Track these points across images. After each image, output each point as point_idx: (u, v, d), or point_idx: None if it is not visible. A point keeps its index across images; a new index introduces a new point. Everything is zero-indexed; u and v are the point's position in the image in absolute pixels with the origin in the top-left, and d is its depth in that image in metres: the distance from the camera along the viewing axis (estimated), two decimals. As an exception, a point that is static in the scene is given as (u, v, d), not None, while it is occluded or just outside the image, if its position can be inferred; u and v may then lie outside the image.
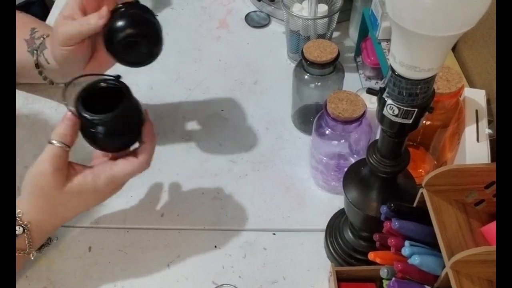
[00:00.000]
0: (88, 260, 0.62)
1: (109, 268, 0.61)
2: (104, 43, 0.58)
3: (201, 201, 0.68)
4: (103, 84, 0.55)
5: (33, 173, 0.53)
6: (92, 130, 0.53)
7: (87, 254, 0.62)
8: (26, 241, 0.54)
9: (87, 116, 0.52)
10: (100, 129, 0.53)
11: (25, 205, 0.55)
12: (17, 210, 0.54)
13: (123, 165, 0.55)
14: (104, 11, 0.57)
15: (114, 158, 0.57)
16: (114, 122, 0.53)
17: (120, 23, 0.56)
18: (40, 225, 0.55)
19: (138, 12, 0.58)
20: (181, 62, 0.87)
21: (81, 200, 0.56)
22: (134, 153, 0.56)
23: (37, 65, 0.70)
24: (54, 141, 0.53)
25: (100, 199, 0.58)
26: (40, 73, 0.72)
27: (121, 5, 0.58)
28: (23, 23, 0.74)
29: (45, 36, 0.69)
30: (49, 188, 0.53)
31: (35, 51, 0.70)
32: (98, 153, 0.58)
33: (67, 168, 0.54)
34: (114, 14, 0.57)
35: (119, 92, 0.54)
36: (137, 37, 0.57)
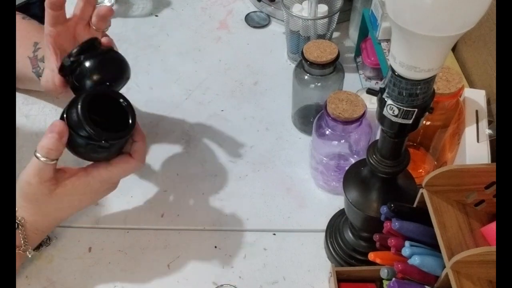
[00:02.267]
0: (88, 260, 0.62)
1: (109, 268, 0.61)
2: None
3: (201, 201, 0.68)
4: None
5: (22, 181, 0.53)
6: (88, 142, 0.51)
7: (87, 255, 0.62)
8: (21, 237, 0.54)
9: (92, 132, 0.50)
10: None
11: (18, 204, 0.55)
12: None
13: (120, 165, 0.55)
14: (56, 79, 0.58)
15: None
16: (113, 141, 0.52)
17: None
18: (34, 224, 0.55)
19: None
20: (181, 62, 0.87)
21: (74, 200, 0.55)
22: (128, 153, 0.56)
23: None
24: (38, 155, 0.51)
25: (94, 198, 0.58)
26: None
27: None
28: (27, 34, 0.73)
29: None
30: (37, 195, 0.53)
31: (39, 77, 0.69)
32: None
33: (55, 176, 0.53)
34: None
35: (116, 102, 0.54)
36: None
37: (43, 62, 0.69)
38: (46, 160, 0.50)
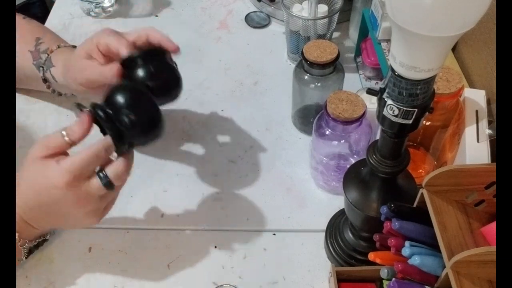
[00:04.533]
0: (88, 260, 0.62)
1: (109, 268, 0.61)
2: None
3: (201, 201, 0.68)
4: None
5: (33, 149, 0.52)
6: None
7: (87, 255, 0.62)
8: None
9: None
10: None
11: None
12: None
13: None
14: (115, 67, 0.58)
15: None
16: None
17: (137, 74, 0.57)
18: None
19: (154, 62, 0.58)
20: (181, 62, 0.87)
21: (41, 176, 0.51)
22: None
23: (44, 80, 0.71)
24: (64, 132, 0.51)
25: (58, 189, 0.51)
26: (48, 87, 0.73)
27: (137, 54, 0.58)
28: (28, 30, 0.74)
29: (49, 53, 0.70)
30: (31, 156, 0.51)
31: (41, 68, 0.70)
32: None
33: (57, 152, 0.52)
34: (131, 63, 0.58)
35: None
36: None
37: (46, 54, 0.70)
38: (66, 138, 0.51)
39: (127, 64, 0.58)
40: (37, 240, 0.59)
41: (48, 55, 0.70)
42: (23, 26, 0.74)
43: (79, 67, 0.63)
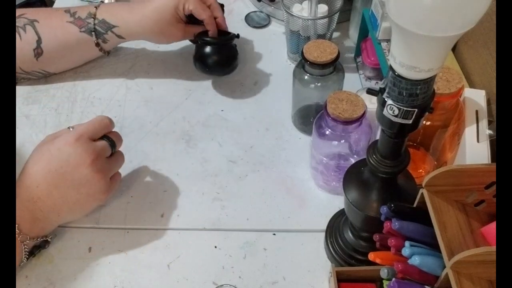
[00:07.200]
0: (88, 260, 0.62)
1: (109, 268, 0.61)
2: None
3: (201, 201, 0.68)
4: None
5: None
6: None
7: (87, 255, 0.62)
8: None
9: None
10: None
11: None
12: None
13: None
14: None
15: None
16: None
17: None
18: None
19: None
20: (182, 62, 0.87)
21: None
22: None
23: (97, 43, 0.76)
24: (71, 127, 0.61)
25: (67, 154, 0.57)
26: (100, 49, 0.78)
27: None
28: (50, 9, 0.77)
29: (93, 16, 0.73)
30: (39, 144, 0.60)
31: (92, 32, 0.74)
32: None
33: None
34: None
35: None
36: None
37: (92, 18, 0.73)
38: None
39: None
40: (38, 239, 0.59)
41: (95, 18, 0.73)
42: (40, 10, 0.77)
43: (169, 26, 0.75)
